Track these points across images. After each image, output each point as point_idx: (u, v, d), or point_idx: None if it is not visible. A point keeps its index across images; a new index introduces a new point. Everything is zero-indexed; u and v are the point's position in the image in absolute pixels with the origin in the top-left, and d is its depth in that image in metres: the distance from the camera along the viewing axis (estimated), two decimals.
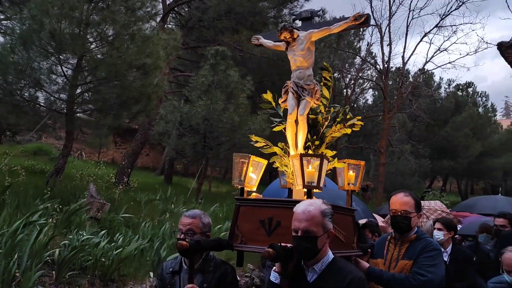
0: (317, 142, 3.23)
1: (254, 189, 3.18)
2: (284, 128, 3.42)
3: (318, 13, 3.44)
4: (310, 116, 3.26)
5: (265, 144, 3.46)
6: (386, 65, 18.16)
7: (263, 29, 13.47)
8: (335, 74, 19.45)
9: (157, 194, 8.92)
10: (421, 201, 3.79)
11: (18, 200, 5.03)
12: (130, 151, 12.01)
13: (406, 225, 3.23)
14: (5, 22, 6.42)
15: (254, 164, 3.14)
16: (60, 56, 6.02)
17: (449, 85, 33.32)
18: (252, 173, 3.12)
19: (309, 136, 3.23)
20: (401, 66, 19.40)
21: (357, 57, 21.65)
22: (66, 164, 6.97)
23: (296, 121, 3.18)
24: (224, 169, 28.38)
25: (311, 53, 3.29)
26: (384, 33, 18.26)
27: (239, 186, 3.10)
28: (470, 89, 34.04)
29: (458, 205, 11.99)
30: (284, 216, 2.84)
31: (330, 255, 2.43)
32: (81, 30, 5.99)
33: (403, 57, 18.84)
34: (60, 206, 5.23)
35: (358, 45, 21.64)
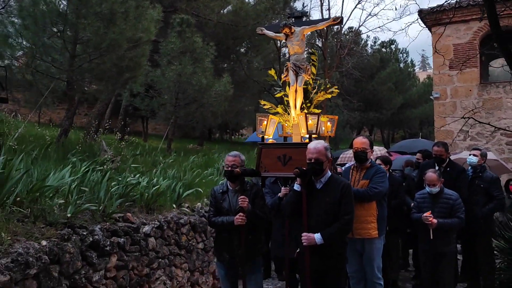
0: (308, 104, 4.79)
1: (271, 137, 4.72)
2: (284, 94, 4.94)
3: (307, 13, 4.91)
4: (303, 86, 4.78)
5: (270, 106, 4.96)
6: (326, 29, 19.94)
7: None
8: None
9: (136, 150, 10.10)
10: None
11: (57, 155, 6.08)
12: (96, 112, 12.82)
13: (364, 157, 4.92)
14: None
15: (271, 120, 4.66)
16: (67, 33, 6.84)
17: (375, 42, 36.09)
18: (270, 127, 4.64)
19: (303, 100, 4.77)
20: (339, 30, 21.37)
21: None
22: (71, 125, 7.93)
23: (295, 90, 4.69)
24: (167, 127, 29.23)
25: (303, 43, 4.78)
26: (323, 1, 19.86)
27: (261, 135, 4.61)
28: (392, 46, 37.04)
29: (392, 147, 14.75)
30: (294, 152, 4.42)
31: (329, 172, 4.05)
32: (79, 8, 6.81)
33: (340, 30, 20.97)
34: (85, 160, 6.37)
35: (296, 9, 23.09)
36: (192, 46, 10.95)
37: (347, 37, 27.33)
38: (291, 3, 18.08)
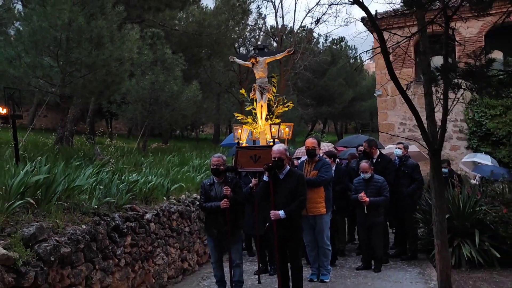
0: (271, 115, 6.33)
1: (244, 142, 6.20)
2: (252, 108, 6.44)
3: (268, 46, 6.43)
4: (267, 102, 6.31)
5: (243, 117, 6.45)
6: (280, 35, 21.63)
7: (184, 6, 15.71)
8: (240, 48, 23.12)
9: (117, 151, 11.28)
10: None
11: (64, 160, 7.25)
12: (71, 117, 13.76)
13: (314, 153, 6.52)
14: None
15: (244, 129, 6.15)
16: (58, 54, 7.95)
17: (326, 40, 38.22)
18: (243, 133, 6.13)
19: (267, 112, 6.30)
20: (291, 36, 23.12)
21: (257, 31, 25.11)
22: (64, 133, 9.04)
23: (261, 106, 6.21)
24: (129, 127, 30.00)
25: (266, 69, 6.29)
26: (278, 7, 21.50)
27: (237, 141, 6.10)
28: (342, 43, 39.32)
29: (338, 142, 16.64)
30: (262, 153, 5.94)
31: (288, 167, 5.59)
32: (72, 34, 7.94)
33: (292, 28, 22.69)
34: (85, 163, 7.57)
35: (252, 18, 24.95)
36: (163, 56, 12.22)
37: (300, 35, 29.19)
38: (249, 13, 19.61)
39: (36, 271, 3.93)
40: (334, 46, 38.28)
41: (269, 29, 28.32)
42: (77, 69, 8.34)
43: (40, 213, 4.70)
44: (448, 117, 17.16)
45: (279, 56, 6.33)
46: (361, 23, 17.92)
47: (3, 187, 4.56)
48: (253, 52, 6.28)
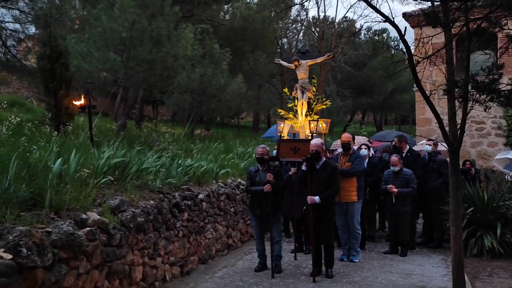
0: (310, 112, 7.14)
1: (286, 135, 7.06)
2: (294, 105, 7.27)
3: (309, 50, 7.22)
4: (307, 100, 7.12)
5: (285, 112, 7.30)
6: (322, 30, 22.26)
7: (230, 0, 16.74)
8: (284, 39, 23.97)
9: (168, 138, 12.42)
10: None
11: (128, 144, 8.37)
12: (127, 105, 15.05)
13: (349, 147, 7.28)
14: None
15: (286, 124, 7.00)
16: (123, 51, 9.10)
17: (368, 31, 38.17)
18: (285, 128, 6.99)
19: (307, 109, 7.12)
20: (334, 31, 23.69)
21: (299, 24, 25.90)
22: (126, 120, 10.26)
23: (302, 103, 7.02)
24: (173, 112, 31.50)
25: (307, 71, 7.09)
26: (320, 3, 22.10)
27: (279, 134, 6.96)
28: (384, 35, 39.11)
29: (372, 136, 17.21)
30: (301, 145, 6.78)
31: (324, 158, 6.40)
32: (135, 34, 9.05)
33: (334, 23, 23.18)
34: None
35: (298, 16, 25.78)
36: (211, 51, 13.21)
37: (342, 26, 29.57)
38: (292, 9, 20.36)
39: (121, 234, 4.98)
40: (376, 37, 38.18)
41: (310, 20, 28.89)
42: (138, 64, 9.44)
43: (119, 189, 5.76)
44: (487, 113, 17.27)
45: (319, 60, 7.10)
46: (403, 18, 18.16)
47: (91, 167, 5.64)
48: (296, 56, 7.09)
